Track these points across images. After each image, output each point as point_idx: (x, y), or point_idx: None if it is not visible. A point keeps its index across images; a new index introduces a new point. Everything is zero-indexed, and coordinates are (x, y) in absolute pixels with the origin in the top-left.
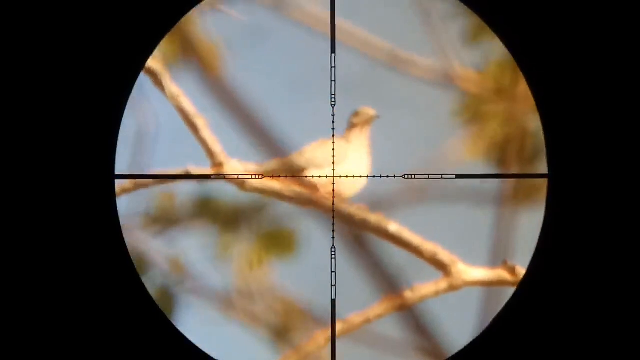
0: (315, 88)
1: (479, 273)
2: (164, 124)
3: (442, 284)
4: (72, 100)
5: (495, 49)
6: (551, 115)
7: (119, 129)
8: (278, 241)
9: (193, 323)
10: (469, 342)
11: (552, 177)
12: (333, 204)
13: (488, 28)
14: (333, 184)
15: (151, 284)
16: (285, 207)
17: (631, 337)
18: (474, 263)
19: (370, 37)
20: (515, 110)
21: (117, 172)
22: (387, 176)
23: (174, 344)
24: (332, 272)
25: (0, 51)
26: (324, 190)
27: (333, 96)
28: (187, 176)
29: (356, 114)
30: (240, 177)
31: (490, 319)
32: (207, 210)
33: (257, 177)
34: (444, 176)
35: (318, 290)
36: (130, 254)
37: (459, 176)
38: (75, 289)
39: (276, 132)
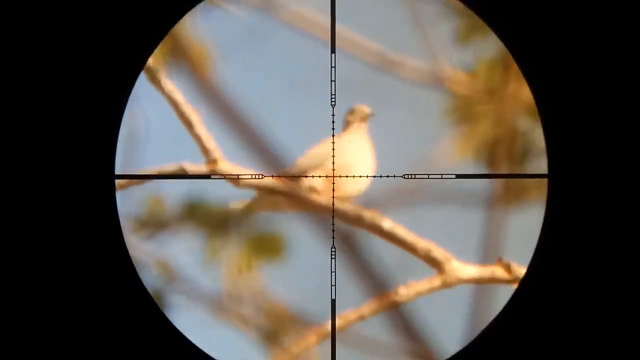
0: (314, 88)
1: (473, 270)
2: (156, 122)
3: (436, 281)
4: (72, 100)
5: (486, 49)
6: (551, 115)
7: (119, 128)
8: (267, 245)
9: (185, 325)
10: (467, 343)
11: (552, 177)
12: (333, 204)
13: (479, 28)
14: (333, 183)
15: None
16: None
17: (632, 337)
18: (468, 260)
19: (360, 39)
20: (506, 110)
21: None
22: (387, 176)
23: (174, 344)
24: (332, 272)
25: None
26: (324, 191)
27: (333, 96)
28: (187, 176)
29: (351, 111)
30: (240, 177)
31: (486, 320)
32: (196, 214)
33: (257, 177)
34: (444, 176)
35: (316, 291)
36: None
37: (459, 176)
38: (75, 288)
39: (275, 133)
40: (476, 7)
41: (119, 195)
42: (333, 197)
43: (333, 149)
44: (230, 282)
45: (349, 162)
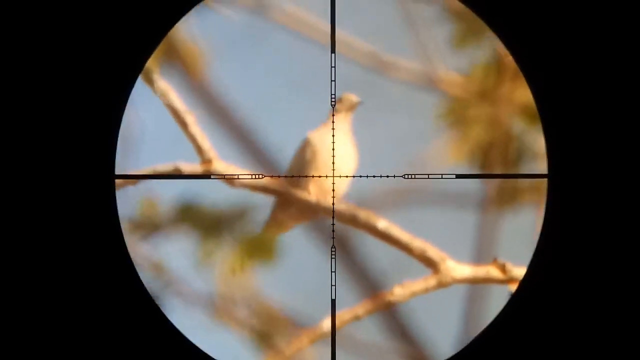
0: (314, 88)
1: (468, 270)
2: (152, 122)
3: (431, 281)
4: (72, 100)
5: (481, 51)
6: (551, 115)
7: (119, 128)
8: (260, 247)
9: (180, 327)
10: (464, 345)
11: (552, 177)
12: (333, 203)
13: (479, 30)
14: (333, 183)
15: None
16: (267, 213)
17: (632, 339)
18: (463, 261)
19: (356, 41)
20: (500, 113)
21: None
22: (387, 176)
23: (172, 343)
24: (332, 272)
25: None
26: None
27: (333, 96)
28: (187, 176)
29: (340, 100)
30: (240, 177)
31: (481, 321)
32: (190, 216)
33: (257, 176)
34: (444, 176)
35: (313, 292)
36: None
37: (459, 176)
38: (75, 288)
39: (274, 133)
40: (476, 7)
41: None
42: (333, 197)
43: (333, 149)
44: (224, 284)
45: (329, 159)
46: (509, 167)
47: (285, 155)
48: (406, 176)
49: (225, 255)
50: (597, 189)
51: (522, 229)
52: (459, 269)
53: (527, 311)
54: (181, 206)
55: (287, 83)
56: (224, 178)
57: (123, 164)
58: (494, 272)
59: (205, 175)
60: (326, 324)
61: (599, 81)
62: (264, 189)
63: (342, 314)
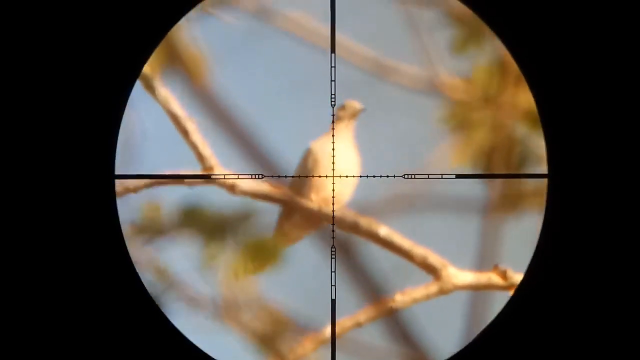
0: (313, 89)
1: (470, 277)
2: (153, 127)
3: (433, 287)
4: (72, 100)
5: (483, 55)
6: (551, 116)
7: (119, 128)
8: (263, 251)
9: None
10: (461, 347)
11: (552, 177)
12: (333, 203)
13: (480, 35)
14: (333, 183)
15: None
16: (270, 216)
17: (633, 341)
18: (466, 266)
19: (358, 45)
20: (503, 117)
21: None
22: (387, 176)
23: (174, 344)
24: (332, 272)
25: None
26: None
27: (333, 96)
28: (187, 176)
29: (342, 107)
30: (240, 176)
31: (483, 324)
32: (193, 220)
33: (257, 177)
34: (443, 176)
35: (316, 293)
36: None
37: (459, 176)
38: (75, 289)
39: (274, 135)
40: (479, 10)
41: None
42: (333, 197)
43: (333, 149)
44: (228, 287)
45: (336, 166)
46: (513, 171)
47: (285, 157)
48: (406, 176)
49: (228, 258)
50: (597, 189)
51: (525, 234)
52: (461, 276)
53: (527, 311)
54: (184, 210)
55: (287, 84)
56: (224, 178)
57: (124, 169)
58: (495, 278)
59: (206, 176)
60: (328, 330)
61: (599, 81)
62: (266, 197)
63: (344, 321)
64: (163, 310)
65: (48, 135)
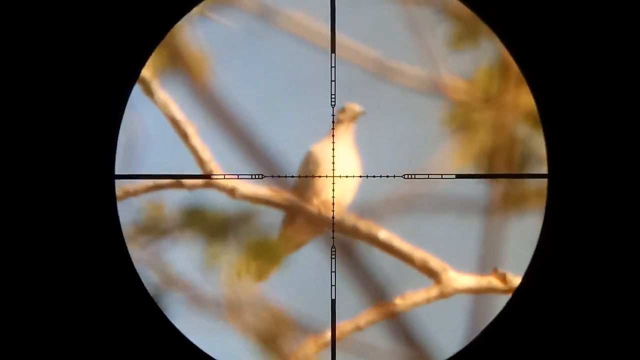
0: (314, 89)
1: (470, 280)
2: (154, 132)
3: (433, 291)
4: (72, 101)
5: (484, 56)
6: (551, 116)
7: (119, 128)
8: (265, 251)
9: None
10: (460, 348)
11: (552, 177)
12: (333, 203)
13: (479, 32)
14: (333, 183)
15: None
16: (272, 216)
17: (633, 342)
18: (465, 270)
19: (359, 45)
20: (504, 118)
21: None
22: (387, 176)
23: (174, 345)
24: (332, 272)
25: (3, 51)
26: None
27: (333, 96)
28: (187, 176)
29: (342, 110)
30: (240, 176)
31: (483, 325)
32: (195, 221)
33: (257, 176)
34: (443, 176)
35: (317, 293)
36: None
37: (459, 176)
38: (75, 289)
39: (274, 136)
40: (477, 8)
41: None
42: (333, 197)
43: (333, 149)
44: (230, 287)
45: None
46: (514, 172)
47: (285, 157)
48: (406, 176)
49: (231, 258)
50: (597, 189)
51: (526, 235)
52: (461, 279)
53: (526, 311)
54: (187, 210)
55: (287, 85)
56: (225, 178)
57: (125, 170)
58: (495, 282)
59: (206, 176)
60: (328, 333)
61: (599, 81)
62: (266, 201)
63: (343, 325)
64: (163, 310)
65: (48, 136)
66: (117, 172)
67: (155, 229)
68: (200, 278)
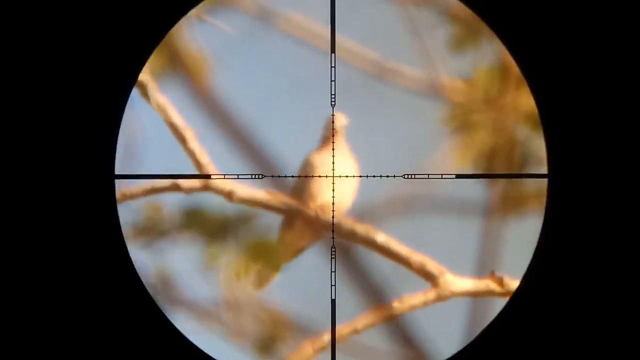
0: (313, 90)
1: (467, 284)
2: (152, 134)
3: (430, 294)
4: (72, 101)
5: (483, 57)
6: (551, 116)
7: (119, 128)
8: (265, 252)
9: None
10: (458, 349)
11: (552, 177)
12: (333, 203)
13: (479, 34)
14: (333, 183)
15: None
16: (271, 218)
17: (633, 344)
18: (463, 273)
19: (357, 47)
20: (504, 119)
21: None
22: (387, 176)
23: (174, 345)
24: (332, 272)
25: (3, 52)
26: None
27: (333, 96)
28: (187, 176)
29: (330, 119)
30: (240, 176)
31: (481, 328)
32: (194, 221)
33: (257, 176)
34: (443, 176)
35: (316, 294)
36: None
37: (459, 176)
38: (75, 289)
39: (274, 136)
40: (478, 9)
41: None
42: (333, 197)
43: (333, 149)
44: (229, 288)
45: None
46: (514, 173)
47: (285, 157)
48: (406, 176)
49: (230, 259)
50: (597, 189)
51: (525, 236)
52: (458, 283)
53: (526, 311)
54: (185, 211)
55: (287, 85)
56: (225, 178)
57: (124, 170)
58: (492, 285)
59: (206, 176)
60: (328, 336)
61: (599, 81)
62: (264, 205)
63: (342, 328)
64: (163, 310)
65: (48, 136)
66: (117, 172)
67: (154, 230)
68: (199, 279)
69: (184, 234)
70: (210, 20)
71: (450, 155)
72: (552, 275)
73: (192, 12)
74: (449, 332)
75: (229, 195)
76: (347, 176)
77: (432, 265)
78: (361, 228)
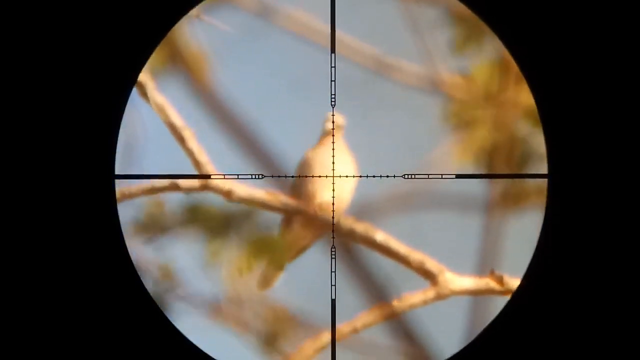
0: (313, 90)
1: (467, 282)
2: (152, 133)
3: (430, 293)
4: (72, 100)
5: (484, 54)
6: (551, 115)
7: (119, 128)
8: (267, 248)
9: (185, 329)
10: (460, 348)
11: (552, 177)
12: (333, 203)
13: (480, 34)
14: (333, 183)
15: None
16: (272, 216)
17: (633, 343)
18: (462, 272)
19: (358, 43)
20: (505, 116)
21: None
22: (387, 176)
23: (174, 345)
24: (332, 272)
25: (2, 51)
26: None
27: (333, 96)
28: (187, 176)
29: (327, 120)
30: (240, 176)
31: (480, 327)
32: (196, 218)
33: (257, 176)
34: (443, 176)
35: (317, 292)
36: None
37: (458, 176)
38: (74, 289)
39: (274, 136)
40: (478, 9)
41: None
42: (333, 197)
43: (333, 149)
44: (231, 284)
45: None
46: (515, 169)
47: (285, 157)
48: (406, 176)
49: (232, 255)
50: (597, 189)
51: (526, 236)
52: (458, 281)
53: (526, 311)
54: (187, 207)
55: (286, 85)
56: (225, 178)
57: (124, 170)
58: (492, 284)
59: (206, 176)
60: (328, 335)
61: (599, 81)
62: (264, 204)
63: (342, 327)
64: (163, 309)
65: (48, 135)
66: (117, 171)
67: (155, 227)
68: (200, 276)
69: (185, 230)
70: (209, 20)
71: (451, 152)
72: (551, 276)
73: (192, 11)
74: (449, 330)
75: (228, 195)
76: (347, 176)
77: (431, 264)
78: (360, 226)
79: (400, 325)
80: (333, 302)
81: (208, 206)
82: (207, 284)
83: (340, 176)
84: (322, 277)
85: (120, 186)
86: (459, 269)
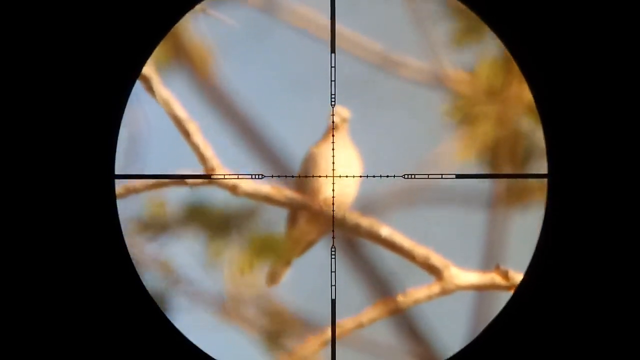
0: (314, 88)
1: (472, 277)
2: (156, 129)
3: (435, 288)
4: (72, 99)
5: (486, 49)
6: (551, 115)
7: (119, 127)
8: (269, 246)
9: (187, 327)
10: (464, 345)
11: (552, 177)
12: (333, 203)
13: (481, 28)
14: (333, 183)
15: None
16: (276, 213)
17: (633, 342)
18: (467, 267)
19: (361, 38)
20: (508, 111)
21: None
22: (387, 176)
23: (174, 345)
24: (332, 272)
25: (3, 48)
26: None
27: (333, 96)
28: (187, 176)
29: (332, 114)
30: (240, 176)
31: (485, 323)
32: (197, 216)
33: (257, 176)
34: (444, 176)
35: (318, 292)
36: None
37: (459, 176)
38: (74, 289)
39: (275, 134)
40: (476, 7)
41: (119, 201)
42: (333, 196)
43: (333, 149)
44: (232, 283)
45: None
46: (518, 165)
47: (285, 157)
48: (406, 176)
49: (234, 254)
50: (597, 189)
51: (529, 231)
52: (463, 276)
53: (526, 310)
54: (189, 206)
55: (288, 83)
56: (224, 178)
57: (126, 168)
58: (497, 279)
59: (206, 176)
60: (329, 331)
61: (599, 80)
62: (267, 199)
63: (346, 322)
64: (163, 308)
65: (48, 135)
66: (119, 168)
67: (157, 226)
68: (202, 275)
69: (187, 229)
70: (214, 14)
71: (454, 148)
72: (554, 272)
73: (197, 7)
74: (454, 325)
75: (233, 189)
76: (347, 176)
77: (436, 259)
78: (365, 221)
79: (405, 322)
80: (333, 302)
81: (209, 205)
82: (208, 283)
83: (340, 176)
84: (323, 277)
85: (124, 182)
86: (464, 264)
